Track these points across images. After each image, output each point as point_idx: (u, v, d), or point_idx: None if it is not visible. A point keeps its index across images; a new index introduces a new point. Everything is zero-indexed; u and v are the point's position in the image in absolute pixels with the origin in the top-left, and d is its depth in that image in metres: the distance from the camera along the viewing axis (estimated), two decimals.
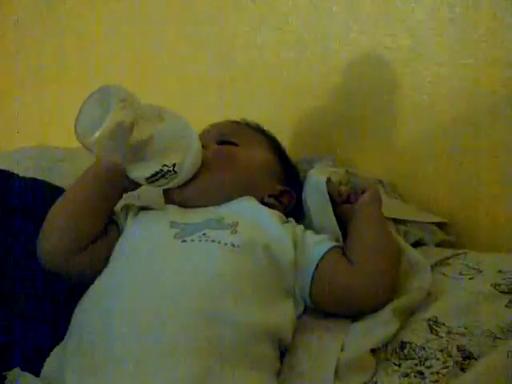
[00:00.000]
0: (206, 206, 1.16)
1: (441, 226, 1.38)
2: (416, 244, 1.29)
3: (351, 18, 1.48)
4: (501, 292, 1.08)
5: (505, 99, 1.32)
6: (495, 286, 1.10)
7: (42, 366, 1.01)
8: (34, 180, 1.31)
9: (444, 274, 1.16)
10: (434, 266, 1.18)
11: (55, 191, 1.22)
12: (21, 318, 1.08)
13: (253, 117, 1.34)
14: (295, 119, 1.60)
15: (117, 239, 1.11)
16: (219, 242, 1.04)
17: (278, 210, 1.18)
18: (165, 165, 1.10)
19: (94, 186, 1.11)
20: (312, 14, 1.54)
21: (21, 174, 1.32)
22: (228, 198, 1.17)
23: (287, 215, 1.18)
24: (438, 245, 1.35)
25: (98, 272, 1.07)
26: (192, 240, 1.05)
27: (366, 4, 1.46)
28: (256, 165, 1.24)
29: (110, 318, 0.97)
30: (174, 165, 1.11)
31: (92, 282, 1.06)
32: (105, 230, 1.12)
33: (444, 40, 1.38)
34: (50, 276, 1.10)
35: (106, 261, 1.08)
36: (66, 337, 1.03)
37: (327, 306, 1.08)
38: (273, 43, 1.62)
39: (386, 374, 0.96)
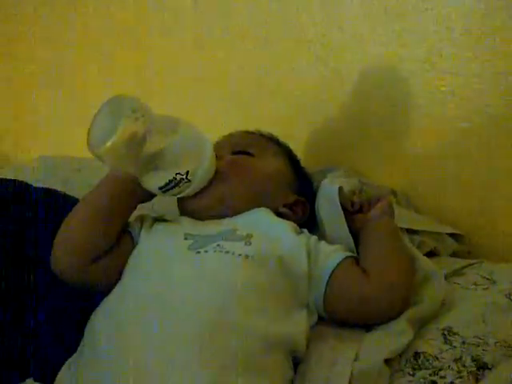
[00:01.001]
0: (220, 216, 1.16)
1: (455, 236, 1.38)
2: (430, 254, 1.28)
3: (365, 29, 1.49)
4: None
5: None
6: (509, 296, 1.10)
7: (54, 377, 1.02)
8: (49, 191, 1.32)
9: (458, 284, 1.16)
10: (448, 276, 1.18)
11: (69, 202, 1.22)
12: (35, 331, 1.09)
13: (266, 127, 1.34)
14: (308, 129, 1.60)
15: (131, 250, 1.11)
16: (233, 253, 1.04)
17: (292, 220, 1.18)
18: (178, 173, 1.10)
19: (107, 196, 1.11)
20: (326, 24, 1.54)
21: (38, 185, 1.33)
22: (242, 208, 1.17)
23: (301, 226, 1.18)
24: (452, 255, 1.34)
25: (111, 283, 1.07)
26: (206, 251, 1.05)
27: (380, 15, 1.46)
28: (270, 175, 1.24)
29: (123, 330, 0.97)
30: (187, 173, 1.10)
31: (106, 294, 1.06)
32: (119, 241, 1.12)
33: (458, 50, 1.38)
34: (63, 289, 1.11)
35: (119, 272, 1.09)
36: (79, 348, 1.04)
37: (341, 315, 1.08)
38: (286, 53, 1.62)
39: None
